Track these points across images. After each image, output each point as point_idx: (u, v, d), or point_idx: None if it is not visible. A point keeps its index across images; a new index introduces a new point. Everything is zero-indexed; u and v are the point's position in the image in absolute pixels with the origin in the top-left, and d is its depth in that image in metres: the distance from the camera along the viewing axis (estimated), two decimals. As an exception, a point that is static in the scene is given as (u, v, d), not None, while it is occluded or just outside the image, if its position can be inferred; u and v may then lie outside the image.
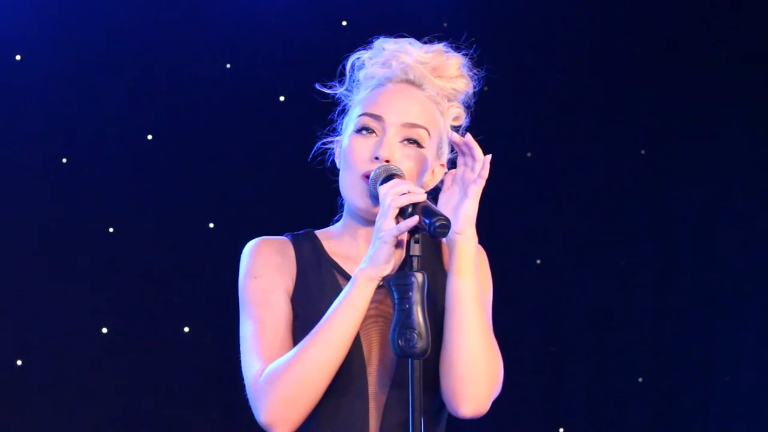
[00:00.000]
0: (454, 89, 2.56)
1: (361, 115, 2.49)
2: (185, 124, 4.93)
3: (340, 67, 2.59)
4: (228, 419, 4.88)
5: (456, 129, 2.57)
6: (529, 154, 5.34)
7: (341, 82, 2.59)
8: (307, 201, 4.54)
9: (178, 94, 4.91)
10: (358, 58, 2.57)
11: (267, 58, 4.95)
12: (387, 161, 2.43)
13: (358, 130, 2.48)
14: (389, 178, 2.39)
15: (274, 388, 2.36)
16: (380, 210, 2.34)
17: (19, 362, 4.74)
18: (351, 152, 2.47)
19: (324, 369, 2.34)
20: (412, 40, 2.56)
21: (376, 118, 2.47)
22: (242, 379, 2.47)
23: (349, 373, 2.41)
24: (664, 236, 5.41)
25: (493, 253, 2.64)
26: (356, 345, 2.42)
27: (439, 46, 2.56)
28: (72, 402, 4.75)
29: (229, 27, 4.97)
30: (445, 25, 5.04)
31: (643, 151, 5.42)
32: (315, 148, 2.62)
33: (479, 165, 2.38)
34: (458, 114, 2.57)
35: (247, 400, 2.45)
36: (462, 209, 2.38)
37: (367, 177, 2.44)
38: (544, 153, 5.33)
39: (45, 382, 4.74)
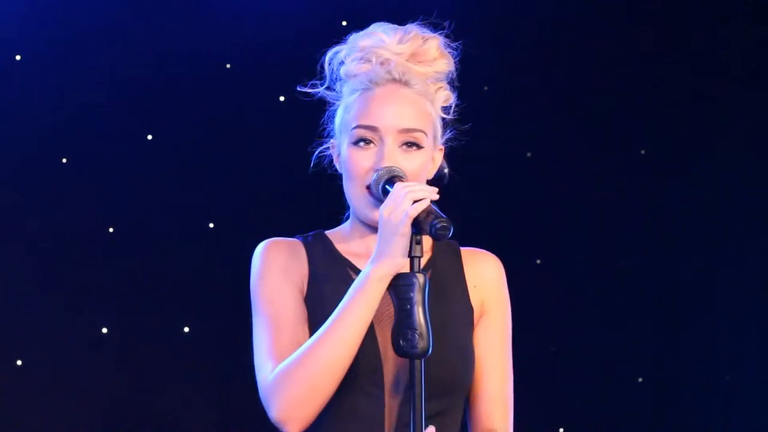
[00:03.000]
0: (436, 72, 2.54)
1: (355, 128, 2.47)
2: (185, 124, 4.93)
3: (318, 66, 2.58)
4: (228, 419, 4.88)
5: (446, 109, 2.56)
6: (529, 154, 5.33)
7: (322, 81, 2.58)
8: (308, 200, 4.54)
9: (178, 94, 4.91)
10: (336, 53, 2.55)
11: (267, 58, 4.95)
12: None
13: (355, 143, 2.47)
14: (391, 179, 2.39)
15: (285, 386, 2.34)
16: (391, 207, 2.31)
17: (19, 362, 4.73)
18: (352, 165, 2.46)
19: (335, 366, 2.33)
20: (383, 25, 2.55)
21: (372, 129, 2.45)
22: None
23: (365, 371, 2.40)
24: (664, 236, 5.41)
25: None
26: (372, 343, 2.41)
27: (414, 29, 2.54)
28: (72, 402, 4.75)
29: (229, 27, 4.97)
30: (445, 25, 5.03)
31: (643, 151, 5.42)
32: (314, 156, 2.62)
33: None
34: (447, 96, 2.55)
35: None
36: None
37: (369, 188, 2.44)
38: (544, 153, 5.33)
39: (45, 382, 4.74)
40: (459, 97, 2.60)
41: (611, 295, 5.36)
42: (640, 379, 5.38)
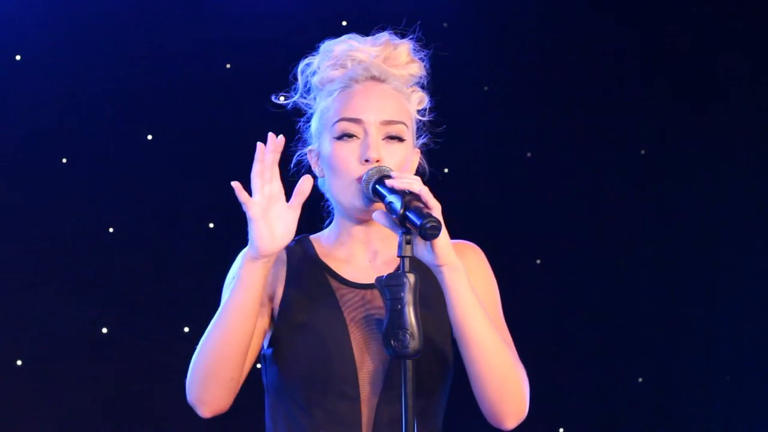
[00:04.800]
0: (410, 75, 2.57)
1: (338, 122, 2.50)
2: (185, 124, 4.93)
3: (291, 76, 2.61)
4: (227, 420, 4.87)
5: (421, 112, 2.58)
6: (529, 154, 5.33)
7: (295, 92, 2.62)
8: (307, 200, 4.54)
9: (178, 94, 4.91)
10: (308, 64, 2.59)
11: (267, 58, 4.95)
12: (377, 161, 2.44)
13: (339, 137, 2.49)
14: (381, 179, 2.39)
15: (192, 371, 2.44)
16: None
17: (19, 362, 4.74)
18: (338, 159, 2.49)
19: (225, 349, 2.39)
20: (353, 35, 2.57)
21: (355, 121, 2.48)
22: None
23: (339, 374, 2.42)
24: (664, 236, 5.41)
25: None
26: (346, 346, 2.43)
27: (385, 36, 2.57)
28: (72, 402, 4.75)
29: (229, 27, 4.97)
30: (444, 25, 5.03)
31: (643, 151, 5.42)
32: (293, 161, 2.65)
33: (426, 197, 2.32)
34: (421, 98, 2.59)
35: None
36: (434, 244, 2.32)
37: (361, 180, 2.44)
38: (544, 153, 5.33)
39: (45, 382, 4.74)
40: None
41: (611, 295, 5.36)
42: (640, 379, 5.38)
